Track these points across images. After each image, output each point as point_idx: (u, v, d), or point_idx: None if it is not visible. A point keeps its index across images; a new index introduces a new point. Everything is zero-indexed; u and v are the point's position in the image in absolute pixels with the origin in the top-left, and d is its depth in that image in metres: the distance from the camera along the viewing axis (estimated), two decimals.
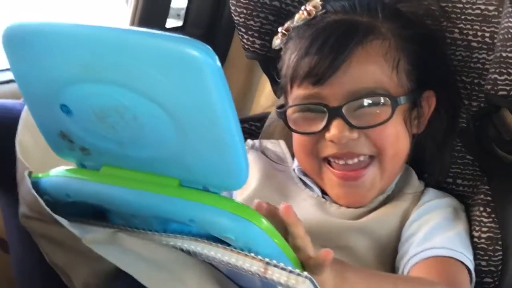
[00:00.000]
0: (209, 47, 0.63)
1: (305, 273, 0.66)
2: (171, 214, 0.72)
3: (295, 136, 1.04)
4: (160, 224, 0.75)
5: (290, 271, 0.66)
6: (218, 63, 0.63)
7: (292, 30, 1.05)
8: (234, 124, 0.66)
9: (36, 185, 0.79)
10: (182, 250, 0.72)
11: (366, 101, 0.98)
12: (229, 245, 0.70)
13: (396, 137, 1.00)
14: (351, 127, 0.97)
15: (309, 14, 1.04)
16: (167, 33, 0.64)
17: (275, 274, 0.66)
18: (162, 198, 0.72)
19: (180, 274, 0.69)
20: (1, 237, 1.05)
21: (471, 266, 0.98)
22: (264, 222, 0.70)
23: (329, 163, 1.02)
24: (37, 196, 0.76)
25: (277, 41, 1.08)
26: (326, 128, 0.98)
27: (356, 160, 1.00)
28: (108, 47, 0.67)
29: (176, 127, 0.68)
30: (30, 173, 0.79)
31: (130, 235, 0.74)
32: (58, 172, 0.79)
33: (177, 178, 0.72)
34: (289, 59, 1.03)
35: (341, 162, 1.00)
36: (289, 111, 1.02)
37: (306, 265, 0.72)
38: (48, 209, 0.74)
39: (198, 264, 0.71)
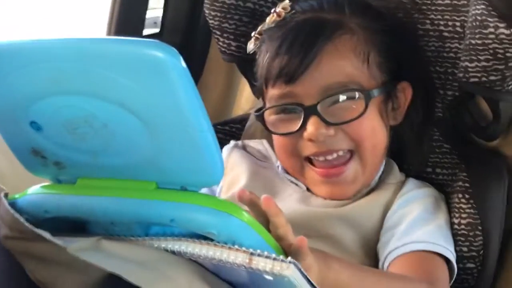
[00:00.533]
0: (172, 47, 0.64)
1: (289, 258, 0.67)
2: (151, 217, 0.73)
3: (275, 137, 1.06)
4: (141, 229, 0.76)
5: (274, 259, 0.67)
6: (183, 63, 0.64)
7: (264, 32, 1.07)
8: (204, 122, 0.67)
9: (13, 205, 0.79)
10: (166, 251, 0.73)
11: (340, 97, 0.99)
12: (212, 240, 0.70)
13: (372, 130, 1.02)
14: (327, 124, 0.98)
15: (278, 15, 1.05)
16: (129, 38, 0.65)
17: (260, 264, 0.67)
18: (141, 202, 0.72)
19: (168, 272, 0.70)
20: None
21: (453, 258, 0.99)
22: (245, 214, 0.71)
23: (310, 161, 1.03)
24: (16, 215, 0.76)
25: (251, 46, 1.09)
26: (303, 127, 0.99)
27: (335, 155, 1.01)
28: (71, 58, 0.67)
29: (148, 131, 0.69)
30: (6, 194, 0.79)
31: (113, 241, 0.74)
32: (35, 190, 0.79)
33: (154, 181, 0.73)
34: (262, 61, 1.04)
35: (321, 158, 1.01)
36: (266, 113, 1.04)
37: (288, 252, 0.74)
38: (29, 225, 0.74)
39: (184, 261, 0.72)
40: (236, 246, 0.68)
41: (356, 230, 1.01)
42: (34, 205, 0.78)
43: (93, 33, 1.72)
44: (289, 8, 1.05)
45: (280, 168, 1.11)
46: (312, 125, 0.98)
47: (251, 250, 0.68)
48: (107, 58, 0.66)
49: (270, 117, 1.03)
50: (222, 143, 1.23)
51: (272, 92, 1.02)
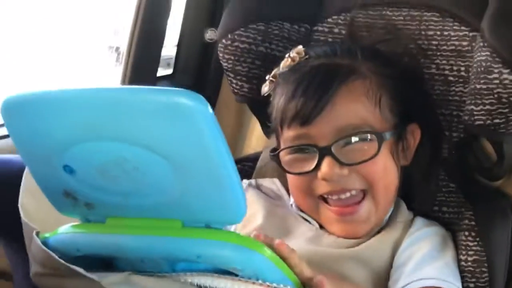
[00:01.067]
0: (200, 95, 0.68)
1: None
2: (178, 254, 0.76)
3: (290, 177, 1.09)
4: (169, 265, 0.79)
5: None
6: (210, 109, 0.68)
7: (279, 76, 1.11)
8: (229, 163, 0.71)
9: (45, 244, 0.82)
10: (193, 285, 0.76)
11: (353, 139, 1.02)
12: (237, 275, 0.74)
13: (384, 170, 1.05)
14: (341, 164, 1.02)
15: (293, 60, 1.09)
16: (160, 87, 0.70)
17: None
18: (168, 239, 0.76)
19: None
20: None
21: None
22: (267, 250, 0.75)
23: (324, 200, 1.06)
24: (50, 252, 0.79)
25: (265, 88, 1.13)
26: (318, 167, 1.02)
27: (348, 194, 1.04)
28: (105, 106, 0.71)
29: (175, 172, 0.72)
30: (37, 233, 0.82)
31: (142, 276, 0.78)
32: (65, 229, 0.83)
33: (180, 220, 0.76)
34: (277, 103, 1.08)
35: (335, 197, 1.05)
36: (282, 154, 1.07)
37: (308, 286, 0.78)
38: (62, 261, 0.77)
39: None
40: (260, 281, 0.72)
41: (368, 270, 1.04)
42: (66, 244, 0.81)
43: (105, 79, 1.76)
44: (303, 53, 1.09)
45: (294, 206, 1.14)
46: (326, 165, 1.02)
47: (274, 285, 0.72)
48: (139, 106, 0.70)
49: (285, 157, 1.07)
50: None
51: (288, 133, 1.06)
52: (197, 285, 0.76)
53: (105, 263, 0.83)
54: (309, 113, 1.02)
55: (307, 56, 1.09)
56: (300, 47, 1.10)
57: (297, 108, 1.03)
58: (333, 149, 1.02)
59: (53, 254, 0.78)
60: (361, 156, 1.02)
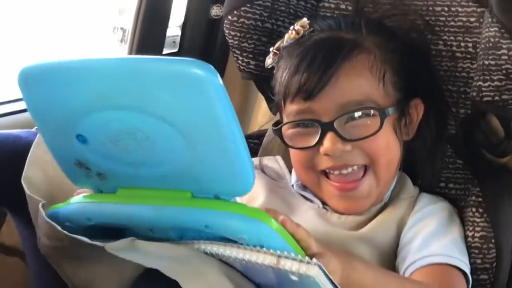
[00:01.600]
0: (211, 66, 0.69)
1: (314, 260, 0.71)
2: (187, 223, 0.78)
3: (292, 151, 1.09)
4: (176, 235, 0.80)
5: (300, 260, 0.71)
6: (220, 79, 0.69)
7: (283, 49, 1.10)
8: (238, 134, 0.71)
9: (56, 214, 0.83)
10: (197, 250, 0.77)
11: (356, 114, 1.02)
12: (241, 245, 0.75)
13: (387, 146, 1.05)
14: (344, 140, 1.02)
15: (297, 33, 1.08)
16: (173, 57, 0.70)
17: (287, 264, 0.71)
18: (178, 209, 0.77)
19: (200, 267, 0.74)
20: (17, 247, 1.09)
21: (467, 270, 1.02)
22: (274, 221, 0.75)
23: (326, 175, 1.06)
24: (53, 223, 0.80)
25: (269, 61, 1.13)
26: (320, 142, 1.02)
27: (350, 169, 1.04)
28: (120, 76, 0.72)
29: (186, 143, 0.73)
30: (43, 205, 0.83)
31: (146, 242, 0.78)
32: (78, 199, 0.84)
33: (189, 190, 0.77)
34: (281, 77, 1.07)
35: (336, 172, 1.05)
36: (284, 128, 1.07)
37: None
38: (65, 232, 0.78)
39: (214, 260, 0.76)
40: (265, 249, 0.73)
41: (374, 249, 1.04)
42: (77, 213, 0.82)
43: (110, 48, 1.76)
44: (307, 26, 1.08)
45: (295, 186, 1.14)
46: (328, 141, 1.01)
47: (278, 252, 0.72)
48: (152, 75, 0.70)
49: (287, 131, 1.07)
50: None
51: (291, 107, 1.05)
52: (202, 251, 0.77)
53: (115, 234, 0.83)
54: (312, 88, 1.01)
55: (311, 29, 1.08)
56: (305, 19, 1.10)
57: (300, 82, 1.03)
58: (335, 124, 1.01)
59: (57, 226, 0.79)
60: (363, 132, 1.02)
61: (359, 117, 1.02)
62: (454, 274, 1.00)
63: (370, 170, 1.05)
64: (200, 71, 0.68)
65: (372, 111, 1.02)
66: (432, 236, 1.03)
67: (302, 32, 1.08)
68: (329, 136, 1.02)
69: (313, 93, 1.02)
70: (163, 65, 0.70)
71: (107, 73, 0.73)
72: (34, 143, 0.93)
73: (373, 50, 1.05)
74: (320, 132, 1.02)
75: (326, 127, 1.02)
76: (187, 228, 0.78)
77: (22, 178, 0.89)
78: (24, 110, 1.39)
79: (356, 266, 0.84)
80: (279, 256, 0.72)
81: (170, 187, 0.78)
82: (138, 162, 0.77)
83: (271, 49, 1.12)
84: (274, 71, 1.12)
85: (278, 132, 1.08)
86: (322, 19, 1.16)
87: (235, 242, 0.76)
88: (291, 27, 1.10)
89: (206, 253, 0.77)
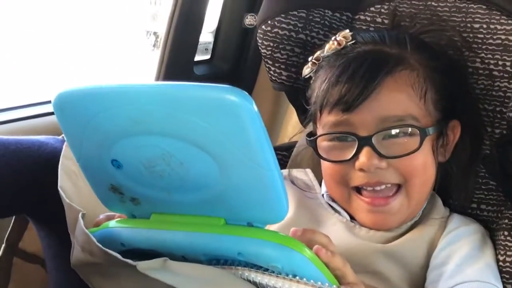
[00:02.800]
0: (246, 93, 0.69)
1: None
2: (220, 250, 0.77)
3: (325, 164, 1.07)
4: (208, 263, 0.80)
5: None
6: (255, 107, 0.69)
7: (322, 59, 1.08)
8: (272, 161, 0.71)
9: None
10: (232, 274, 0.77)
11: (396, 131, 1.00)
12: (274, 272, 0.74)
13: (424, 167, 1.03)
14: (380, 156, 1.00)
15: (339, 44, 1.06)
16: (208, 84, 0.70)
17: None
18: (210, 236, 0.77)
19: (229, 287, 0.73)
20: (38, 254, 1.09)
21: None
22: (307, 250, 0.75)
23: (357, 191, 1.04)
24: (89, 234, 0.79)
25: (307, 70, 1.11)
26: (356, 156, 1.00)
27: (383, 186, 1.02)
28: (154, 101, 0.72)
29: (220, 169, 0.73)
30: (83, 215, 0.84)
31: (179, 262, 0.78)
32: (112, 224, 0.84)
33: (222, 218, 0.77)
34: (319, 87, 1.05)
35: (369, 189, 1.03)
36: (319, 139, 1.05)
37: None
38: (100, 245, 0.78)
39: (246, 283, 0.75)
40: (305, 279, 0.72)
41: (402, 267, 1.02)
42: (111, 238, 0.82)
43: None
44: (350, 38, 1.06)
45: (325, 196, 1.12)
46: (365, 156, 0.99)
47: (319, 283, 0.72)
48: (186, 102, 0.71)
49: (322, 143, 1.05)
50: None
51: (328, 118, 1.03)
52: (239, 277, 0.76)
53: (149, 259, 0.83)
54: (353, 100, 0.99)
55: (353, 41, 1.06)
56: (347, 31, 1.08)
57: (341, 93, 1.01)
58: (373, 140, 0.99)
59: (93, 238, 0.78)
60: (401, 150, 1.00)
61: (398, 134, 1.00)
62: None
63: (403, 189, 1.03)
64: (235, 98, 0.68)
65: (411, 129, 1.00)
66: (466, 260, 1.00)
67: (344, 43, 1.06)
68: (366, 151, 1.00)
69: (353, 105, 1.00)
70: (198, 91, 0.71)
71: (141, 98, 0.73)
72: (62, 153, 0.92)
73: (417, 67, 1.03)
74: (356, 146, 1.00)
75: (364, 142, 1.00)
76: (220, 256, 0.78)
77: (59, 187, 0.88)
78: (46, 114, 1.40)
79: None
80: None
81: (203, 214, 0.78)
82: (171, 187, 0.77)
83: (309, 59, 1.11)
84: (311, 81, 1.10)
85: (313, 143, 1.06)
86: (363, 31, 1.14)
87: (268, 270, 0.75)
88: (333, 38, 1.08)
89: (243, 279, 0.76)
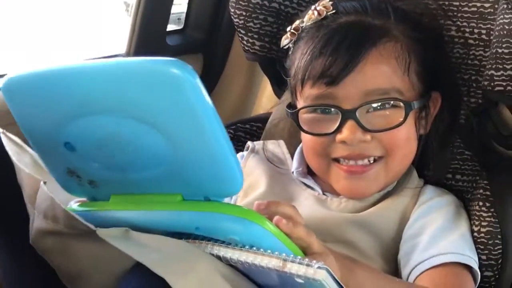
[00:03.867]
0: (189, 66, 0.68)
1: (322, 263, 0.70)
2: (178, 227, 0.77)
3: (306, 137, 1.05)
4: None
5: (307, 264, 0.70)
6: (198, 80, 0.68)
7: (302, 30, 1.06)
8: (221, 134, 0.70)
9: None
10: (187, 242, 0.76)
11: (380, 104, 0.98)
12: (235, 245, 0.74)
13: (407, 140, 1.02)
14: (364, 130, 0.98)
15: (319, 14, 1.04)
16: (151, 58, 0.69)
17: (293, 268, 0.70)
18: (168, 213, 0.77)
19: (192, 263, 0.72)
20: None
21: (477, 266, 0.99)
22: (267, 223, 0.74)
23: (337, 161, 1.03)
24: (53, 197, 0.78)
25: (285, 41, 1.08)
26: (339, 130, 0.99)
27: (366, 160, 1.01)
28: (99, 80, 0.72)
29: (170, 145, 0.72)
30: (45, 183, 0.82)
31: (140, 233, 0.76)
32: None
33: (179, 193, 0.77)
34: (300, 59, 1.03)
35: (351, 162, 1.01)
36: (300, 112, 1.03)
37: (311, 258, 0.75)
38: (63, 207, 0.76)
39: (211, 258, 0.74)
40: (269, 252, 0.71)
41: (374, 236, 1.01)
42: None
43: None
44: (331, 8, 1.04)
45: (295, 173, 1.11)
46: (348, 129, 0.98)
47: (284, 255, 0.71)
48: (129, 79, 0.70)
49: (304, 115, 1.03)
50: (243, 141, 1.24)
51: (310, 91, 1.01)
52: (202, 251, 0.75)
53: None
54: (337, 73, 0.97)
55: (334, 11, 1.04)
56: (327, 0, 1.05)
57: (324, 66, 0.98)
58: (357, 113, 0.98)
59: (57, 200, 0.77)
60: (385, 123, 0.99)
61: (383, 107, 0.99)
62: (464, 275, 0.98)
63: (382, 160, 1.02)
64: (177, 71, 0.67)
65: (396, 103, 0.98)
66: (440, 232, 0.99)
67: (324, 13, 1.04)
68: (349, 125, 0.98)
69: (337, 79, 0.98)
70: (139, 67, 0.70)
71: (86, 78, 0.73)
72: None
73: (401, 38, 1.01)
74: (340, 119, 0.99)
75: (347, 115, 0.98)
76: (179, 232, 0.77)
77: (15, 160, 0.86)
78: None
79: (356, 272, 0.82)
80: (284, 260, 0.70)
81: (161, 191, 0.77)
82: (125, 167, 0.77)
83: (288, 29, 1.08)
84: (290, 52, 1.08)
85: (294, 116, 1.04)
86: (343, 0, 1.11)
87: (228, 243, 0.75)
88: (312, 7, 1.06)
89: (206, 253, 0.75)
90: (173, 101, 0.69)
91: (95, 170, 0.79)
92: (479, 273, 0.99)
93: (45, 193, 0.79)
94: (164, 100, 0.69)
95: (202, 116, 0.69)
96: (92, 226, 0.74)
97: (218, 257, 0.74)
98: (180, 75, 0.67)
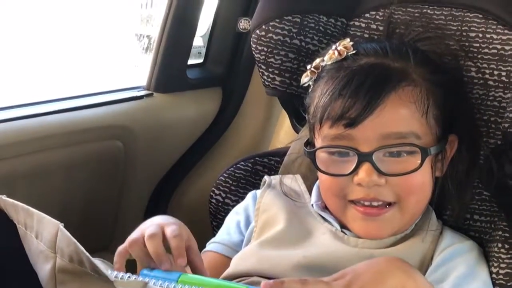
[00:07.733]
0: None
1: None
2: None
3: (322, 177, 1.05)
4: None
5: None
6: None
7: (322, 69, 1.07)
8: None
9: None
10: None
11: (397, 149, 0.99)
12: None
13: (421, 185, 1.02)
14: (380, 173, 0.99)
15: (340, 54, 1.05)
16: None
17: None
18: None
19: None
20: None
21: None
22: None
23: (354, 203, 1.03)
24: (76, 242, 0.79)
25: (305, 79, 1.09)
26: (355, 171, 0.99)
27: (381, 203, 1.01)
28: None
29: None
30: (63, 226, 0.82)
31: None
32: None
33: None
34: (319, 98, 1.03)
35: (366, 203, 1.02)
36: (318, 151, 1.03)
37: None
38: (87, 254, 0.77)
39: None
40: None
41: None
42: None
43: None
44: (351, 48, 1.05)
45: (314, 206, 1.11)
46: (364, 172, 0.98)
47: None
48: None
49: (321, 154, 1.03)
50: (260, 175, 1.24)
51: (328, 131, 1.02)
52: None
53: None
54: (356, 116, 0.98)
55: (354, 52, 1.05)
56: (348, 40, 1.06)
57: (344, 108, 0.99)
58: (374, 156, 0.98)
59: (80, 246, 0.78)
60: (401, 168, 0.99)
61: (400, 152, 0.99)
62: None
63: (397, 205, 1.02)
64: None
65: (413, 148, 0.99)
66: (464, 279, 0.99)
67: (345, 53, 1.05)
68: (366, 167, 0.99)
69: (356, 121, 0.98)
70: None
71: None
72: None
73: (420, 82, 1.02)
74: (356, 161, 0.99)
75: (364, 158, 0.99)
76: None
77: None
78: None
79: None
80: None
81: None
82: None
83: (308, 67, 1.09)
84: (310, 90, 1.09)
85: (312, 155, 1.04)
86: (364, 42, 1.12)
87: None
88: (333, 47, 1.07)
89: None
90: None
91: None
92: None
93: (67, 237, 0.80)
94: None
95: None
96: (111, 277, 0.74)
97: None
98: None
